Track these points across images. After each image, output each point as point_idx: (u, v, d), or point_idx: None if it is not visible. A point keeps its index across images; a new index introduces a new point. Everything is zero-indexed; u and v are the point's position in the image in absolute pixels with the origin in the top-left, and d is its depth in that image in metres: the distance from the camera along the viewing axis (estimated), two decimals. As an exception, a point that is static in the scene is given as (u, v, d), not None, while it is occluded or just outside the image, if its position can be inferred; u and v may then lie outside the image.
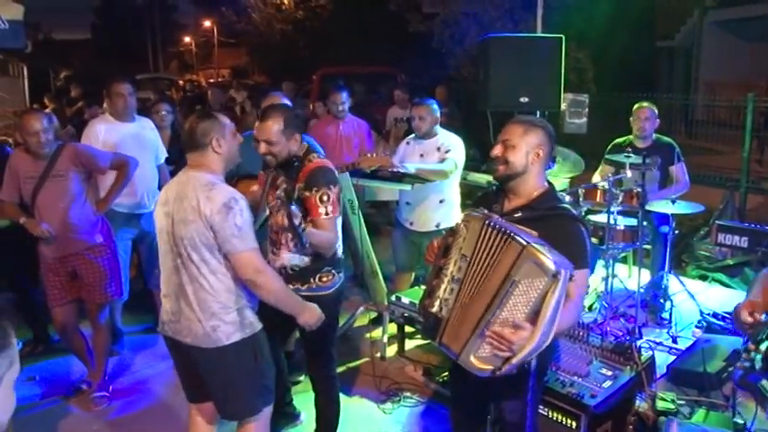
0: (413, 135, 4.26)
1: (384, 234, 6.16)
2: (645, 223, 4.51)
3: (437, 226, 4.10)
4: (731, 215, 6.11)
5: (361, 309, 4.55)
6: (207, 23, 38.13)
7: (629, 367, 3.10)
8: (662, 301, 4.60)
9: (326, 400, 3.09)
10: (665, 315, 4.52)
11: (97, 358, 3.79)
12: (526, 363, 2.17)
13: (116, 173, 3.79)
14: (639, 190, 4.36)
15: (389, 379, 3.89)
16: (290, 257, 2.82)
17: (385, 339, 4.23)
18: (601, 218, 4.59)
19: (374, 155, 3.81)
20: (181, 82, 26.96)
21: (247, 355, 2.47)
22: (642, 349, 3.48)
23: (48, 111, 5.39)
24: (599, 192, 4.52)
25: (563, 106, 5.60)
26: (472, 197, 3.50)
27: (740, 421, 2.99)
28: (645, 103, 4.85)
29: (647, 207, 4.38)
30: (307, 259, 2.81)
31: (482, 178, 5.06)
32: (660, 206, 4.40)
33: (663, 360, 3.83)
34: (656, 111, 4.80)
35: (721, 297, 5.01)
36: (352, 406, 3.62)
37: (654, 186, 4.67)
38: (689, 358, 3.73)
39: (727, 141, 9.70)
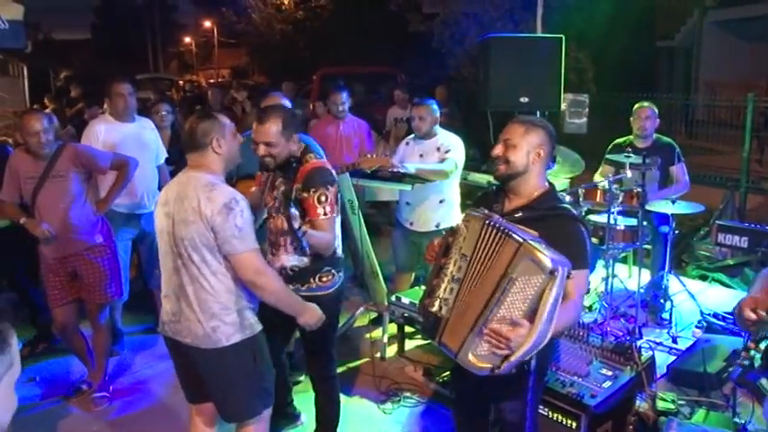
0: (413, 135, 4.26)
1: (384, 234, 6.16)
2: (645, 223, 4.51)
3: (437, 226, 4.10)
4: (731, 215, 6.11)
5: (361, 309, 4.56)
6: (207, 24, 38.15)
7: (629, 367, 3.11)
8: (662, 301, 4.60)
9: (326, 400, 3.10)
10: (666, 315, 4.52)
11: (97, 359, 3.79)
12: (526, 362, 2.17)
13: (116, 173, 3.79)
14: (639, 190, 4.35)
15: (389, 379, 3.89)
16: (289, 258, 2.82)
17: (385, 339, 4.23)
18: (601, 218, 4.59)
19: (374, 155, 3.80)
20: (181, 82, 26.97)
21: (247, 357, 2.47)
22: (642, 349, 3.49)
23: (48, 111, 5.39)
24: (599, 192, 4.53)
25: (563, 106, 5.60)
26: (472, 197, 3.49)
27: (740, 421, 2.99)
28: (645, 103, 4.85)
29: (648, 207, 4.38)
30: (306, 260, 2.82)
31: (482, 178, 5.06)
32: (660, 206, 4.39)
33: (663, 360, 3.83)
34: (657, 110, 4.81)
35: (721, 297, 5.00)
36: (352, 406, 3.62)
37: (654, 186, 4.67)
38: (689, 358, 3.73)
39: (728, 141, 9.70)
